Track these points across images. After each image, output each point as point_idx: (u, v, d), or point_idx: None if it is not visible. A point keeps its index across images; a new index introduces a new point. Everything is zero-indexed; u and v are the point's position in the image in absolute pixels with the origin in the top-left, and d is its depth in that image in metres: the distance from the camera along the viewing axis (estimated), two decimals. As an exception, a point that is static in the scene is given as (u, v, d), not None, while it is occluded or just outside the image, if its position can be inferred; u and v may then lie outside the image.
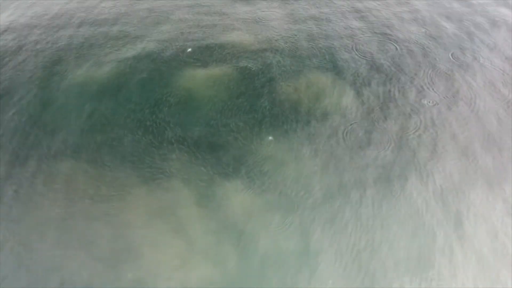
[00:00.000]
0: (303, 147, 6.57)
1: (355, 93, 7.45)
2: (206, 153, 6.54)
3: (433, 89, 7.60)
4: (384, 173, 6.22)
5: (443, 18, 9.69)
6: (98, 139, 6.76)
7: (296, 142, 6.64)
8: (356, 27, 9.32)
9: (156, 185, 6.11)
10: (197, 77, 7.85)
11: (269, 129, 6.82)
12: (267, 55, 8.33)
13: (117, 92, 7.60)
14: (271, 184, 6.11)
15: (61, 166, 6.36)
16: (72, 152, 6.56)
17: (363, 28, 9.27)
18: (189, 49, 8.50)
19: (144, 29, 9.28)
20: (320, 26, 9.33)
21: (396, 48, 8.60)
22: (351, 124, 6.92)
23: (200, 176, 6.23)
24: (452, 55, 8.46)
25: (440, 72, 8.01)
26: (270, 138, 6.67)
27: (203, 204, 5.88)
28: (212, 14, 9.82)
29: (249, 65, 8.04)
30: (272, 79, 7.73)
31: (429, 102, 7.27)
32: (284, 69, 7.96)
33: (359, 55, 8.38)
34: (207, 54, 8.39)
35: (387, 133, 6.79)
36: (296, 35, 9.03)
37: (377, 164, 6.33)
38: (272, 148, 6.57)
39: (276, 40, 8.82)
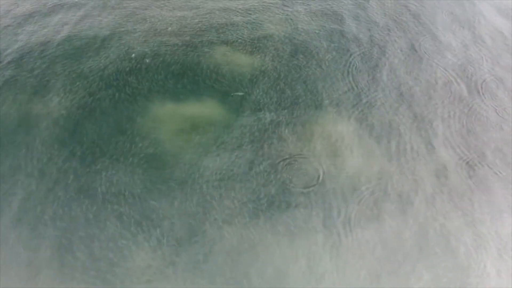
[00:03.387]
0: (324, 247, 4.32)
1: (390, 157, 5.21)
2: (178, 250, 4.19)
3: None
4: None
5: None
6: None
7: (313, 238, 4.36)
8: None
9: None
10: (171, 116, 5.33)
11: (273, 216, 4.49)
12: (272, 82, 5.86)
13: (48, 132, 5.03)
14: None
15: None
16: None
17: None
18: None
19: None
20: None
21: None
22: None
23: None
24: None
25: None
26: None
27: None
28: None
29: (248, 100, 5.58)
30: (278, 124, 5.33)
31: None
32: (294, 115, 5.50)
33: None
34: (187, 79, 5.82)
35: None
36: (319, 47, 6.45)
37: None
38: (277, 247, 4.29)
39: (287, 56, 6.26)
